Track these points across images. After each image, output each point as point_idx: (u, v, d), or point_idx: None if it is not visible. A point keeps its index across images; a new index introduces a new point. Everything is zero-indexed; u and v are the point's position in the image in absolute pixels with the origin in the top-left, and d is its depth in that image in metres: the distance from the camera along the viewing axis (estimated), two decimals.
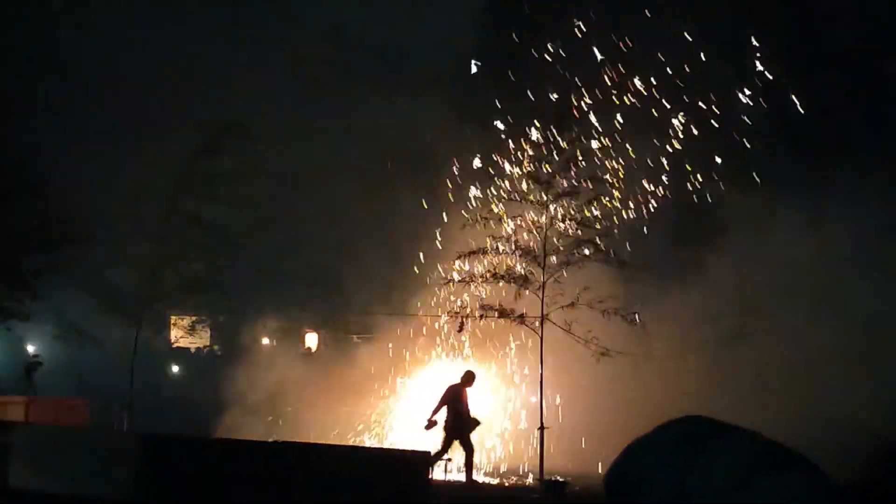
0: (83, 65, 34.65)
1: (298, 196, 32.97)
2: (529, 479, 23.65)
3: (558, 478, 21.33)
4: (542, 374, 23.32)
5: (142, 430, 23.69)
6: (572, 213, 24.48)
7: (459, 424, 22.39)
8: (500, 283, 24.61)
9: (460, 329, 26.05)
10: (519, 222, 24.89)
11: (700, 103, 30.34)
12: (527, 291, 23.86)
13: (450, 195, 28.79)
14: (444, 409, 22.64)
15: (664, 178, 29.78)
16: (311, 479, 14.27)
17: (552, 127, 24.33)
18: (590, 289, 24.18)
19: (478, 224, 25.02)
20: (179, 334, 31.97)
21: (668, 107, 30.10)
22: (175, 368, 32.97)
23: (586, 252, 23.76)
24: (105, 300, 29.66)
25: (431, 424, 22.35)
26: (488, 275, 24.52)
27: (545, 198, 23.83)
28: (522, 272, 24.06)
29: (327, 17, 40.76)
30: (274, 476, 14.12)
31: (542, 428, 22.80)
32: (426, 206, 29.54)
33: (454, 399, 22.63)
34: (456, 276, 25.47)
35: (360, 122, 34.00)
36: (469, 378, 22.62)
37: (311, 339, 32.14)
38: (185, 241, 30.04)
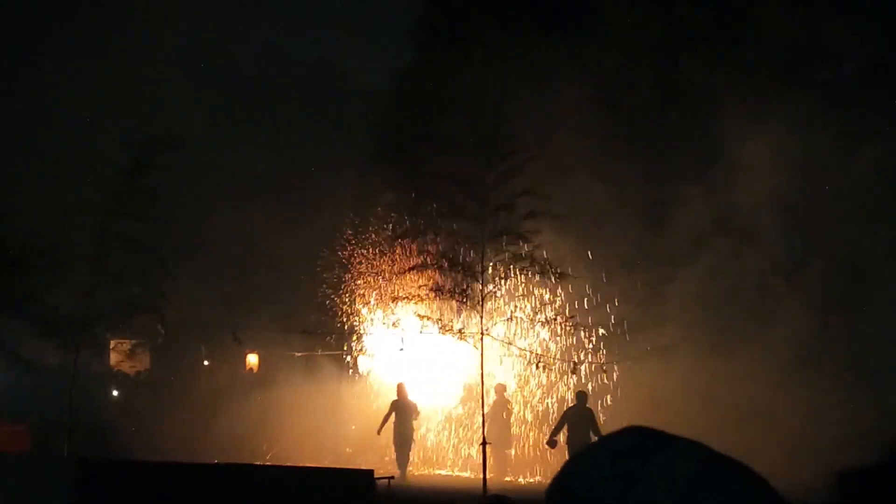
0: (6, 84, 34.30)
1: (231, 215, 32.84)
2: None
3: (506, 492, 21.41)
4: (482, 388, 23.39)
5: (82, 454, 23.48)
6: (510, 227, 24.61)
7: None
8: (438, 298, 24.72)
9: (401, 349, 26.60)
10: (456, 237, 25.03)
11: None
12: (465, 306, 23.98)
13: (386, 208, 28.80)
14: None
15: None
16: (251, 500, 14.24)
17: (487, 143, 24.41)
18: (527, 300, 24.46)
19: (414, 241, 25.31)
20: (119, 358, 31.68)
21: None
22: (115, 392, 32.66)
23: (524, 267, 23.93)
24: (41, 324, 29.36)
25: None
26: (427, 290, 24.66)
27: (482, 211, 23.93)
28: (459, 288, 24.13)
29: (262, 35, 40.84)
30: (215, 498, 14.08)
31: (483, 443, 22.87)
32: (358, 222, 29.55)
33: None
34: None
35: (291, 138, 34.02)
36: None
37: (253, 359, 32.00)
38: (120, 262, 29.81)
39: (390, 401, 26.78)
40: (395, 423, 26.33)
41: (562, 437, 24.30)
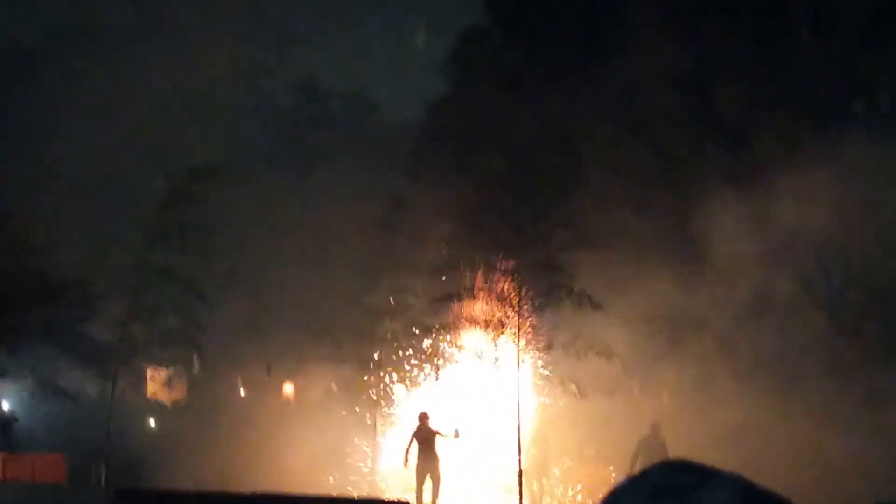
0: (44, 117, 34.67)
1: (269, 247, 33.06)
2: None
3: None
4: (518, 419, 23.47)
5: (119, 484, 23.65)
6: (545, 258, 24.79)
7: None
8: (476, 329, 24.87)
9: (436, 378, 26.62)
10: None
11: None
12: (502, 336, 24.13)
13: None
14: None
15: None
16: None
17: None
18: (565, 330, 24.56)
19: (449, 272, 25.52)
20: (155, 387, 31.91)
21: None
22: (152, 422, 32.87)
23: (560, 296, 24.10)
24: (79, 355, 29.67)
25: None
26: (464, 321, 24.84)
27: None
28: (498, 318, 24.28)
29: (298, 67, 41.13)
30: None
31: (520, 472, 22.93)
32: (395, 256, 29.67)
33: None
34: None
35: (327, 172, 34.18)
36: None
37: (289, 389, 32.14)
38: (158, 293, 30.08)
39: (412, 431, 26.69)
40: (419, 455, 25.98)
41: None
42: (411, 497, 24.90)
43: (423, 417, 25.90)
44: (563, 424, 27.76)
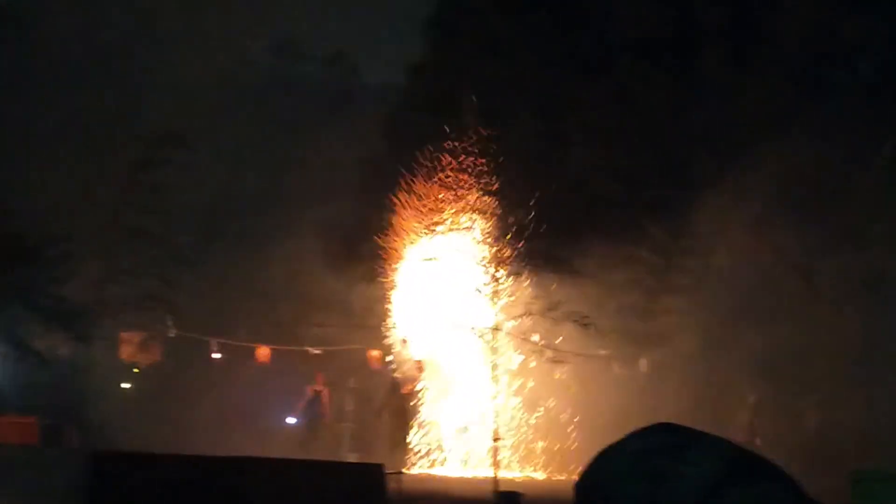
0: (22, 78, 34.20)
1: (244, 209, 32.82)
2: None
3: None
4: (496, 385, 23.34)
5: (93, 446, 23.45)
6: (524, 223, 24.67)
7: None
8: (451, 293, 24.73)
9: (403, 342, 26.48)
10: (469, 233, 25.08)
11: None
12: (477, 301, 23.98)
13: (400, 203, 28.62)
14: None
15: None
16: (264, 493, 14.19)
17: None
18: (541, 297, 24.41)
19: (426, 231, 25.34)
20: (130, 350, 31.65)
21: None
22: (126, 385, 32.63)
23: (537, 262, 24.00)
24: (53, 317, 29.39)
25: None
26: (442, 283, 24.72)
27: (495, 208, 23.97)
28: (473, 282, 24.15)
29: (278, 29, 40.68)
30: (225, 490, 14.03)
31: (496, 439, 22.80)
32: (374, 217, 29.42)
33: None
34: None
35: (305, 131, 33.89)
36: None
37: (264, 354, 31.91)
38: (133, 255, 29.88)
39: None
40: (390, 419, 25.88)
41: None
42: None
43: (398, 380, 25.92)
44: (539, 390, 27.71)
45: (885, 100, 28.26)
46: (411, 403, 26.51)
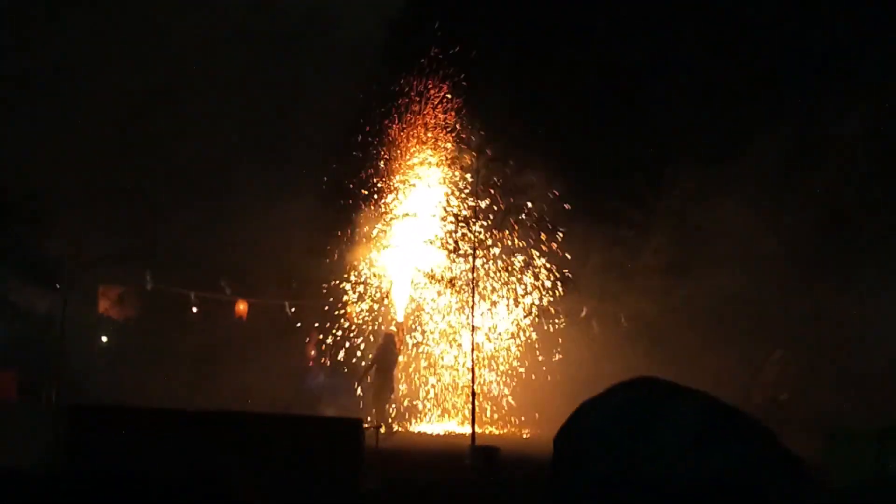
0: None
1: (223, 163, 32.62)
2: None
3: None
4: (472, 340, 23.35)
5: (70, 400, 23.44)
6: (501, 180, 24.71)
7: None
8: (431, 249, 24.75)
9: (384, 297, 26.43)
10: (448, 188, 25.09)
11: None
12: (458, 258, 23.99)
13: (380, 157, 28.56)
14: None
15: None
16: (241, 446, 14.20)
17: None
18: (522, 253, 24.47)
19: (405, 189, 25.33)
20: (108, 305, 31.60)
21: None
22: (104, 339, 32.57)
23: (517, 217, 24.02)
24: (30, 271, 29.30)
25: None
26: (422, 241, 24.74)
27: (473, 163, 23.89)
28: (453, 239, 24.15)
29: None
30: (202, 444, 14.04)
31: (473, 394, 22.85)
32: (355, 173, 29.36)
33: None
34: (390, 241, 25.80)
35: (284, 87, 33.71)
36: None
37: (242, 307, 31.90)
38: (110, 210, 29.75)
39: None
40: (376, 377, 25.78)
41: None
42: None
43: (392, 336, 25.80)
44: (520, 349, 27.81)
45: None
46: (399, 360, 26.47)
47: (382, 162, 27.74)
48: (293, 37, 38.14)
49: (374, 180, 28.36)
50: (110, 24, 33.43)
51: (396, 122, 27.34)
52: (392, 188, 27.26)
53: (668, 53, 29.32)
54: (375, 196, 28.31)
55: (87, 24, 32.88)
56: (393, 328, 26.81)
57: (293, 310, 30.28)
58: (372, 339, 28.39)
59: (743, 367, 25.26)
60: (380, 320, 28.31)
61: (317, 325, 29.23)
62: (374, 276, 28.05)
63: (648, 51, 29.28)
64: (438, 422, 27.32)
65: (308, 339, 28.94)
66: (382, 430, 24.00)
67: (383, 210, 27.62)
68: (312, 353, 29.32)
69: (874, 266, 25.36)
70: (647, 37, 29.42)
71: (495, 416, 27.47)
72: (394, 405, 26.54)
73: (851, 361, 24.73)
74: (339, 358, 28.85)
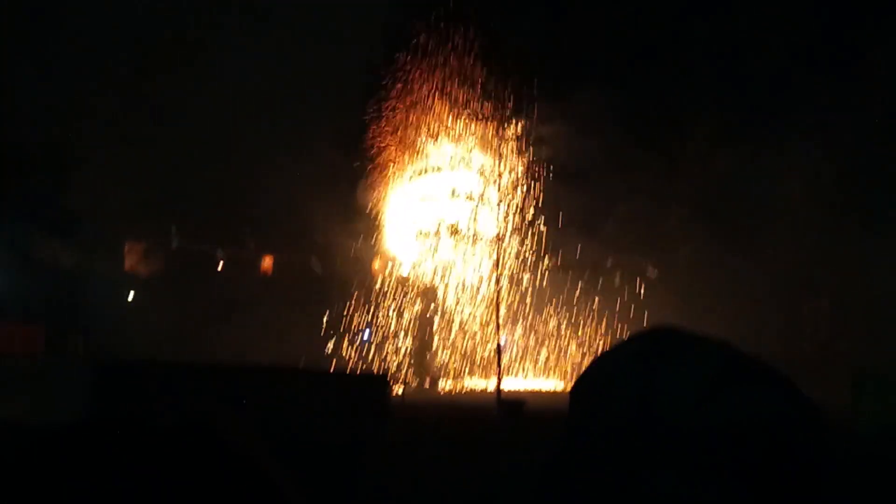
0: None
1: (247, 121, 32.52)
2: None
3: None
4: (498, 294, 23.36)
5: (97, 354, 23.57)
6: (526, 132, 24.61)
7: None
8: (457, 202, 24.73)
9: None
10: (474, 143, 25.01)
11: None
12: (486, 210, 24.00)
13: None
14: None
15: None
16: (270, 399, 14.26)
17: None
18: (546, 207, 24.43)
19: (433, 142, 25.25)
20: (134, 261, 31.70)
21: None
22: (130, 295, 32.68)
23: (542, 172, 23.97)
24: (55, 227, 29.38)
25: None
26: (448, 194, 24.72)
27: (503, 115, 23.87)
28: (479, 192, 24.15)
29: None
30: (228, 398, 14.09)
31: (499, 347, 22.89)
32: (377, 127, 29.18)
33: None
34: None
35: (301, 47, 33.45)
36: None
37: (267, 263, 31.95)
38: (135, 165, 29.77)
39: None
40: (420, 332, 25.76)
41: None
42: None
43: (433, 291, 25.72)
44: (543, 301, 27.74)
45: None
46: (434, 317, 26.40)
47: (397, 113, 27.56)
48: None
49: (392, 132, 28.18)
50: None
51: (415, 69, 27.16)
52: (414, 143, 27.08)
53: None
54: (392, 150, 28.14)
55: None
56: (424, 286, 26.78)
57: (320, 267, 30.13)
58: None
59: (782, 317, 25.21)
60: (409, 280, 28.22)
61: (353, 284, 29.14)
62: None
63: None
64: (469, 378, 27.30)
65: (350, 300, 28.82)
66: (426, 384, 24.18)
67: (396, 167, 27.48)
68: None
69: None
70: None
71: (526, 370, 27.47)
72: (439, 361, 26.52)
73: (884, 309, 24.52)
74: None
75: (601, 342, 23.38)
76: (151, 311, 30.93)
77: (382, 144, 27.56)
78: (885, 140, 25.96)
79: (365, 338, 27.78)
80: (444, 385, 25.35)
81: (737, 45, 27.07)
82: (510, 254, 25.83)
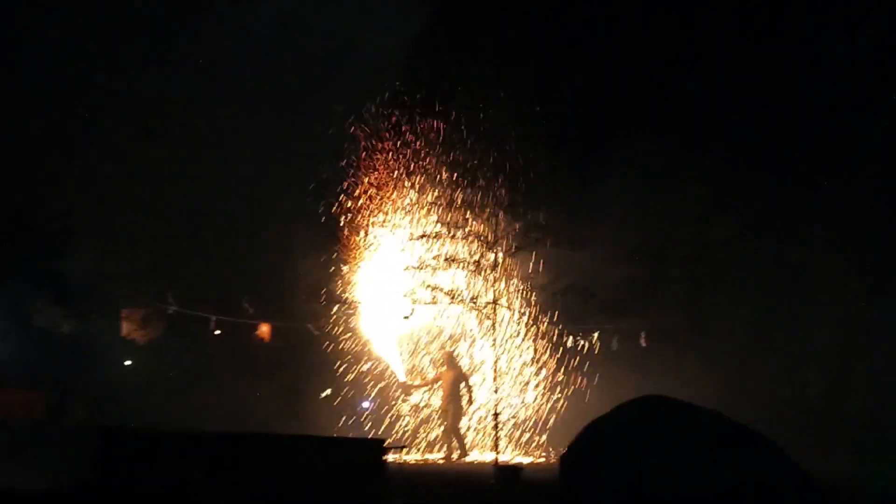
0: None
1: (239, 187, 32.65)
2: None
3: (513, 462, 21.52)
4: (496, 359, 23.46)
5: (97, 421, 23.67)
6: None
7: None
8: (452, 268, 24.78)
9: (407, 317, 26.24)
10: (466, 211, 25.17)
11: None
12: (479, 276, 24.08)
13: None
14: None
15: None
16: (266, 467, 14.34)
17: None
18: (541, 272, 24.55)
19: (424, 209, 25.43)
20: (131, 327, 31.79)
21: None
22: (127, 361, 32.73)
23: (537, 236, 24.11)
24: (54, 293, 29.50)
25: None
26: (440, 260, 24.74)
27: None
28: (474, 257, 24.23)
29: (278, 4, 40.34)
30: (222, 465, 14.20)
31: (496, 414, 22.93)
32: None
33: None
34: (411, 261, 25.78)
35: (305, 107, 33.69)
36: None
37: (265, 330, 32.04)
38: (132, 231, 29.92)
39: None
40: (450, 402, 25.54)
41: None
42: None
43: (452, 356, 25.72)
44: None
45: None
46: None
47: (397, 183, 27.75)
48: (314, 56, 38.14)
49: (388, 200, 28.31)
50: (125, 38, 33.53)
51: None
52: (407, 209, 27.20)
53: None
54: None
55: (101, 38, 33.00)
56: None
57: (317, 332, 30.06)
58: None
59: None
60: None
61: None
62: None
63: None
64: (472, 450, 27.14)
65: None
66: (456, 455, 24.18)
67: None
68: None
69: None
70: None
71: (523, 441, 27.43)
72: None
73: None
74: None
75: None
76: (147, 376, 30.97)
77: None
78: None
79: (365, 406, 27.77)
80: (443, 453, 25.37)
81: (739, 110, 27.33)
82: (507, 321, 25.92)
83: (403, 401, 27.24)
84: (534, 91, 27.89)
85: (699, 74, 28.27)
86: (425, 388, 26.66)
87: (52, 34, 32.49)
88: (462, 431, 25.67)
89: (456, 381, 25.16)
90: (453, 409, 25.14)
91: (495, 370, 23.52)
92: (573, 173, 27.28)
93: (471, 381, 25.69)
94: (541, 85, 28.55)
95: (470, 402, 24.64)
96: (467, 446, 25.45)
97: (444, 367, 25.70)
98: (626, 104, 28.63)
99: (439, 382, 25.75)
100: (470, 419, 26.52)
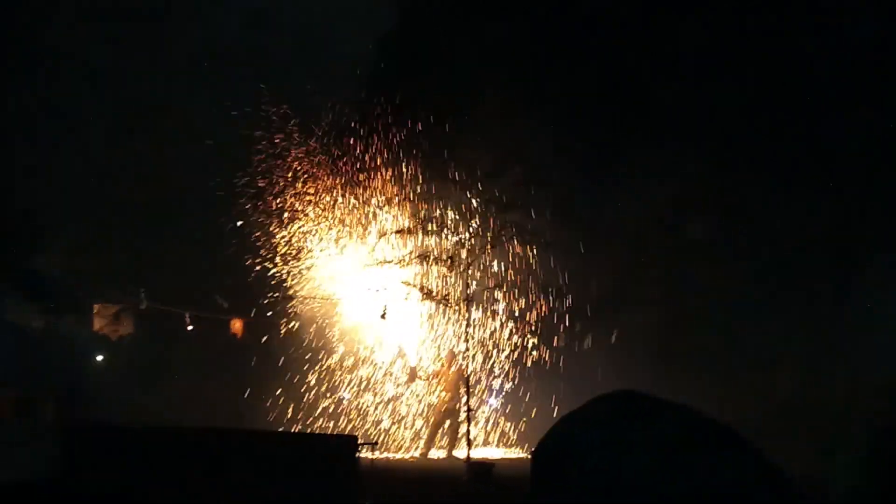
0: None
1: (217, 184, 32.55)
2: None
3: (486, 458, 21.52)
4: (467, 356, 23.46)
5: (66, 419, 23.48)
6: (496, 194, 24.79)
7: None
8: (425, 265, 24.79)
9: (383, 315, 26.18)
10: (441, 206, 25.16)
11: None
12: (451, 273, 24.09)
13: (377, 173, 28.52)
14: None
15: None
16: (239, 463, 14.29)
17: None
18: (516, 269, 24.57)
19: (400, 205, 25.38)
20: (103, 323, 31.64)
21: None
22: (99, 358, 32.56)
23: (509, 234, 24.11)
24: (23, 288, 29.34)
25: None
26: (412, 256, 24.75)
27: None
28: (448, 254, 24.23)
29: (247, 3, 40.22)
30: (201, 460, 14.13)
31: (468, 410, 22.93)
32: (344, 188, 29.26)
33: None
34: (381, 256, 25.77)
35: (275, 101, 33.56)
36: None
37: (237, 326, 31.93)
38: (102, 227, 29.81)
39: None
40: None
41: None
42: None
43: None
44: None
45: None
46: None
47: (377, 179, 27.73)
48: (286, 56, 38.04)
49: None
50: (97, 39, 33.36)
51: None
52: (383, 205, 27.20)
53: None
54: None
55: (77, 39, 32.86)
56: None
57: (292, 326, 30.00)
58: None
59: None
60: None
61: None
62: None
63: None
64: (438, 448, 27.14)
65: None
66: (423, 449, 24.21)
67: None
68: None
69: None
70: None
71: (496, 436, 27.48)
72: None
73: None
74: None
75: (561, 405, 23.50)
76: (120, 371, 30.83)
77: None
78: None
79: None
80: (415, 450, 25.35)
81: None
82: (480, 321, 25.97)
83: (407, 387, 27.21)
84: (508, 91, 27.92)
85: (673, 74, 28.29)
86: (425, 382, 26.60)
87: (22, 31, 32.37)
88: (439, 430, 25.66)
89: (457, 381, 25.13)
90: (449, 407, 25.14)
91: (466, 366, 23.54)
92: (548, 173, 27.28)
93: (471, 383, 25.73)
94: (515, 84, 28.57)
95: (469, 403, 24.56)
96: (434, 446, 25.46)
97: (446, 366, 25.72)
98: (601, 103, 28.60)
99: (439, 379, 25.78)
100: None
